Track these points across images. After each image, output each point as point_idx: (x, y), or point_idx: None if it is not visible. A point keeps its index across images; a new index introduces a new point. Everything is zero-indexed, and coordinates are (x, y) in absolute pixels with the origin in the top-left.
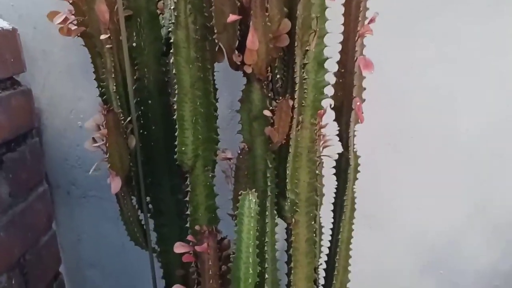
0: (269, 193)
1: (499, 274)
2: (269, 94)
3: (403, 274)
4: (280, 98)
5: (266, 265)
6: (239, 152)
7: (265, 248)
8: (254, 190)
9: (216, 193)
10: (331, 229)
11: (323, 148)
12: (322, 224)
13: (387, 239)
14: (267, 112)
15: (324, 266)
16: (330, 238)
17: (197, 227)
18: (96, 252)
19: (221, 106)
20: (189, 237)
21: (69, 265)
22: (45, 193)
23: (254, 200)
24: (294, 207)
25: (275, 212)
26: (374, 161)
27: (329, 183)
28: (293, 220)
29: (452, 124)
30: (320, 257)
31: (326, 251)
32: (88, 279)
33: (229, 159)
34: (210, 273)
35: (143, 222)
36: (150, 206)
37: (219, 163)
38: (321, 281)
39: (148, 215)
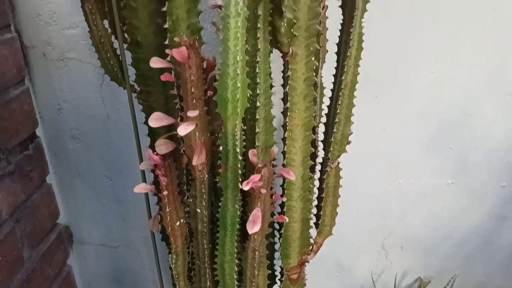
0: None
1: None
2: None
3: (409, 149)
4: None
5: (258, 92)
6: None
7: (257, 71)
8: None
9: (199, 11)
10: (333, 75)
11: None
12: (322, 75)
13: (393, 109)
14: None
15: (324, 120)
16: (332, 83)
17: (176, 39)
18: (78, 124)
19: None
20: (168, 51)
21: (51, 137)
22: (13, 40)
23: None
24: (292, 30)
25: (269, 36)
26: (386, 14)
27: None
28: (291, 50)
29: None
30: (322, 109)
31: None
32: (71, 153)
33: (220, 7)
34: (193, 91)
35: (119, 53)
36: (126, 36)
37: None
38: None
39: (125, 46)
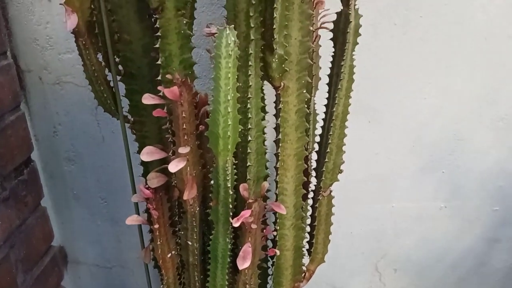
0: (252, 37)
1: (505, 173)
2: None
3: (402, 173)
4: None
5: (250, 126)
6: None
7: (248, 106)
8: (233, 26)
9: (193, 46)
10: (325, 105)
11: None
12: (315, 102)
13: (386, 134)
14: None
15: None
16: (324, 113)
17: (168, 76)
18: (74, 146)
19: None
20: (160, 88)
21: (46, 160)
22: (9, 67)
23: (233, 39)
24: (283, 65)
25: (261, 71)
26: (377, 42)
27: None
28: (282, 84)
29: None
30: (314, 135)
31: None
32: (67, 175)
33: (214, 35)
34: (185, 127)
35: (112, 85)
36: (120, 68)
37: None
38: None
39: (118, 78)
